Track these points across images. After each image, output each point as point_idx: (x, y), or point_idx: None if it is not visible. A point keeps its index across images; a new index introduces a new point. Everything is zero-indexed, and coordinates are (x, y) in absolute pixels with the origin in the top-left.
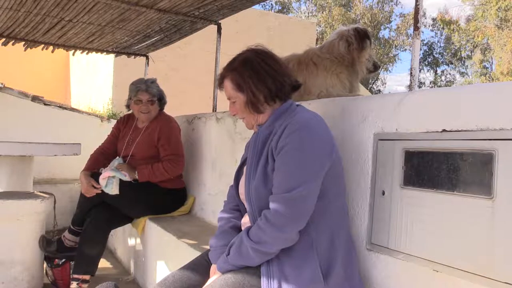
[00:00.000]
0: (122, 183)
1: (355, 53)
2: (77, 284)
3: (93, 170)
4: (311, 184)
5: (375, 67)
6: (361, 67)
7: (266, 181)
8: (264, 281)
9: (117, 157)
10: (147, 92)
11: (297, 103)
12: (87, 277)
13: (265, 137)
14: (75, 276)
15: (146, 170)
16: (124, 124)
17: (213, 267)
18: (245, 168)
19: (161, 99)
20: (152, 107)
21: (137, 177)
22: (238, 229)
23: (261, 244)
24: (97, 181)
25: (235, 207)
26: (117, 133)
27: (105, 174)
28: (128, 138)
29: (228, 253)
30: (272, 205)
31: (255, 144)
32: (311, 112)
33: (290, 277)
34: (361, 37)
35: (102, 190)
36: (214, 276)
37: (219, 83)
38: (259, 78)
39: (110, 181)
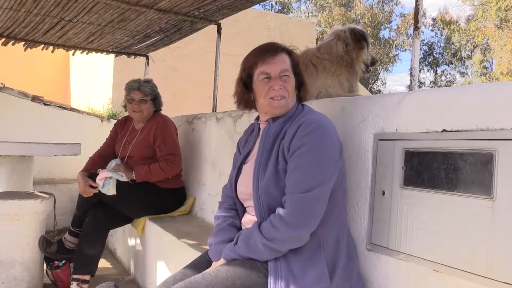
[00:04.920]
0: (121, 184)
1: (353, 53)
2: (77, 284)
3: (91, 171)
4: (327, 184)
5: (373, 63)
6: (360, 67)
7: (278, 181)
8: (271, 278)
9: (115, 158)
10: (139, 91)
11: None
12: (87, 277)
13: (276, 134)
14: (75, 276)
15: (143, 170)
16: (122, 126)
17: (214, 264)
18: (244, 166)
19: (155, 99)
20: (144, 107)
21: (134, 177)
22: (235, 227)
23: (273, 241)
24: (95, 182)
25: (231, 206)
26: (114, 136)
27: (102, 174)
28: (125, 140)
29: (236, 242)
30: (288, 205)
31: (265, 140)
32: (319, 113)
33: (297, 276)
34: (357, 38)
35: (99, 191)
36: (220, 262)
37: (275, 51)
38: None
39: (107, 182)
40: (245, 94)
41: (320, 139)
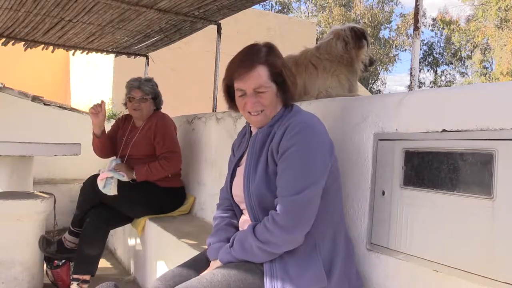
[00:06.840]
0: (121, 183)
1: (353, 52)
2: (78, 284)
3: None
4: (318, 185)
5: (371, 62)
6: (359, 66)
7: (269, 184)
8: (267, 280)
9: (115, 158)
10: (139, 90)
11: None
12: (87, 277)
13: (264, 138)
14: (75, 276)
15: (143, 169)
16: (122, 123)
17: (212, 264)
18: (238, 169)
19: (155, 98)
20: (143, 105)
21: (135, 177)
22: (233, 226)
23: (268, 244)
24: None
25: (228, 207)
26: (116, 128)
27: (103, 175)
28: (125, 138)
29: (231, 244)
30: (281, 208)
31: (253, 145)
32: (307, 112)
33: (293, 277)
34: (358, 36)
35: (100, 191)
36: (216, 264)
37: (249, 66)
38: (289, 67)
39: (109, 182)
40: (230, 102)
41: (308, 139)
